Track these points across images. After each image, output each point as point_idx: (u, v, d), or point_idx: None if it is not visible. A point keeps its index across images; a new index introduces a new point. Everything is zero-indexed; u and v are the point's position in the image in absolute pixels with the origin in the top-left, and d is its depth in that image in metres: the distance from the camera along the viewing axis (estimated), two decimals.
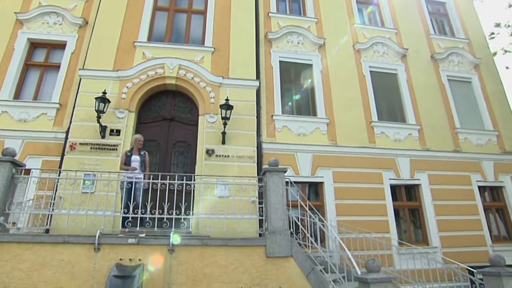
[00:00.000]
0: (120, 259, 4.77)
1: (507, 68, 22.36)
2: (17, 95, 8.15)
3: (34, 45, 8.70)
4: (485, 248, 8.47)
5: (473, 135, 9.81)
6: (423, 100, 9.87)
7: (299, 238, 5.73)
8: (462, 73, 10.75)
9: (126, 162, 6.16)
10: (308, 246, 5.85)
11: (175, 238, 4.90)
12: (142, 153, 6.33)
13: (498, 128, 10.13)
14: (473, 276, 5.16)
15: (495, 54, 13.78)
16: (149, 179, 5.52)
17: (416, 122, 9.53)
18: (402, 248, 7.26)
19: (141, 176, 5.96)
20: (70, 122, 7.55)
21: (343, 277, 5.11)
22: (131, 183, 5.60)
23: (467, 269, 5.40)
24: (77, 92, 7.79)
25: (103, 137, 7.39)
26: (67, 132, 7.48)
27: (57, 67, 8.46)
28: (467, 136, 9.75)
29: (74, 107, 7.66)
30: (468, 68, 10.90)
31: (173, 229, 5.02)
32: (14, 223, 5.86)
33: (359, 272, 4.50)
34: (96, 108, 7.12)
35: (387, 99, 9.87)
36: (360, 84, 9.58)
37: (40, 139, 7.60)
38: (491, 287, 4.69)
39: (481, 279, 4.91)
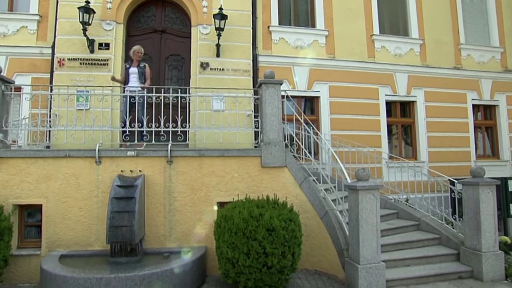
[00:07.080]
0: (122, 171, 4.98)
1: None
2: None
3: None
4: (469, 163, 8.84)
5: (476, 52, 9.47)
6: (429, 12, 9.22)
7: (294, 151, 5.92)
8: None
9: (125, 75, 6.03)
10: (302, 158, 6.10)
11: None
12: (141, 65, 6.11)
13: (504, 45, 9.72)
14: (454, 186, 5.50)
15: None
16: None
17: (419, 36, 9.08)
18: (392, 161, 7.59)
19: (140, 88, 5.86)
20: (55, 36, 7.11)
21: (334, 186, 5.42)
22: (130, 97, 5.57)
23: (449, 180, 5.73)
24: (57, 2, 7.14)
25: (91, 51, 7.03)
26: (53, 47, 7.11)
27: None
28: (470, 52, 9.42)
29: (56, 19, 7.13)
30: None
31: (170, 141, 5.13)
32: (14, 141, 5.96)
33: (349, 181, 4.75)
34: (81, 20, 6.63)
35: (391, 10, 9.22)
36: None
37: (25, 55, 7.24)
38: (468, 195, 5.01)
39: (461, 189, 5.23)
